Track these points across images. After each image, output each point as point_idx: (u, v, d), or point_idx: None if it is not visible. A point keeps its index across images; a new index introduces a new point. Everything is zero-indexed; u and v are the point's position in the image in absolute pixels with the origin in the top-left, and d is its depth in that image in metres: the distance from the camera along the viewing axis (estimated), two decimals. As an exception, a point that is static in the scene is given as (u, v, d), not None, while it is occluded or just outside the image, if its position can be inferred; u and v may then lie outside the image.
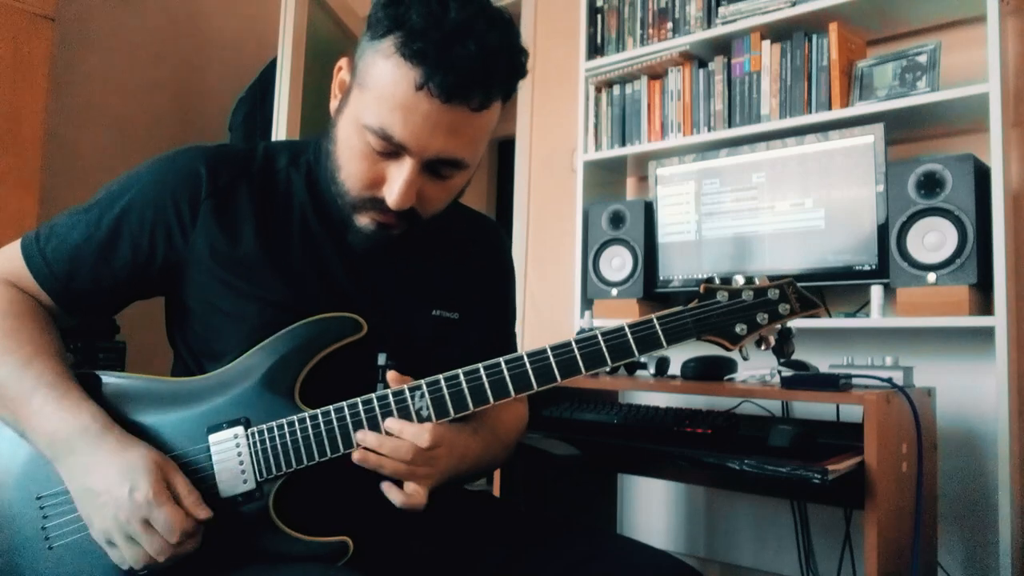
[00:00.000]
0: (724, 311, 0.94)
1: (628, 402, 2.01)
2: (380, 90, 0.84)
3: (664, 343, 0.91)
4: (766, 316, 0.94)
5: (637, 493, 2.38)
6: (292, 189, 0.98)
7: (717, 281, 0.97)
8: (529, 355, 0.89)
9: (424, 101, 0.82)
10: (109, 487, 0.81)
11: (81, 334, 2.58)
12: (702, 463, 1.31)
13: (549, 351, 0.89)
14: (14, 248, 0.95)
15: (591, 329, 0.93)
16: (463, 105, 0.83)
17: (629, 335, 0.90)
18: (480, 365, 0.89)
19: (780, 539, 2.12)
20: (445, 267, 1.04)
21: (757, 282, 0.96)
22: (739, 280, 0.96)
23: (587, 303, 2.30)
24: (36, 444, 0.87)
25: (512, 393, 0.88)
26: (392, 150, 0.86)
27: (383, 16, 0.83)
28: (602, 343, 0.90)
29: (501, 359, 0.89)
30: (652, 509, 2.37)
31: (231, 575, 0.84)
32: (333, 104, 0.94)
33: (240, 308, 0.93)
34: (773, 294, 0.95)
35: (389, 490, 0.87)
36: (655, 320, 0.92)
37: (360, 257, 0.97)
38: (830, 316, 1.96)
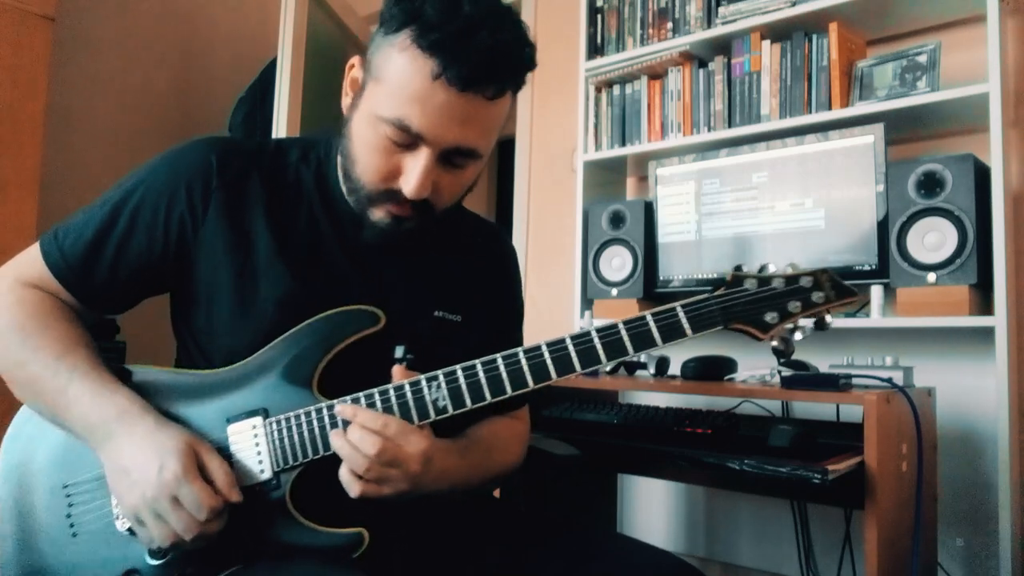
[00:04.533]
0: (752, 299, 0.90)
1: (628, 402, 2.01)
2: (396, 82, 0.85)
3: (688, 332, 0.88)
4: (799, 304, 0.90)
5: (637, 493, 2.38)
6: (301, 184, 0.99)
7: (746, 269, 0.92)
8: (548, 344, 0.88)
9: (440, 91, 0.83)
10: (140, 465, 0.83)
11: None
12: (702, 463, 1.31)
13: (568, 340, 0.88)
14: (34, 249, 0.97)
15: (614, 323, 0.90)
16: (478, 94, 0.85)
17: (652, 324, 0.88)
18: (498, 355, 0.88)
19: (780, 539, 2.12)
20: (450, 269, 1.04)
21: (790, 270, 0.91)
22: (770, 268, 0.92)
23: (587, 303, 2.30)
24: (76, 433, 0.89)
25: (531, 383, 0.87)
26: (409, 141, 0.87)
27: (397, 11, 0.85)
28: (623, 332, 0.88)
29: (519, 348, 0.88)
30: (652, 509, 2.37)
31: (249, 564, 0.85)
32: (345, 102, 0.95)
33: (245, 301, 0.93)
34: (806, 282, 0.90)
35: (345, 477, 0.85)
36: (679, 308, 0.88)
37: (365, 255, 0.98)
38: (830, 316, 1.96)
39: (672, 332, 0.88)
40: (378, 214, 0.93)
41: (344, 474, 0.85)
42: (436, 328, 1.00)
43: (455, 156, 0.89)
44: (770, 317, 0.89)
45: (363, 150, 0.90)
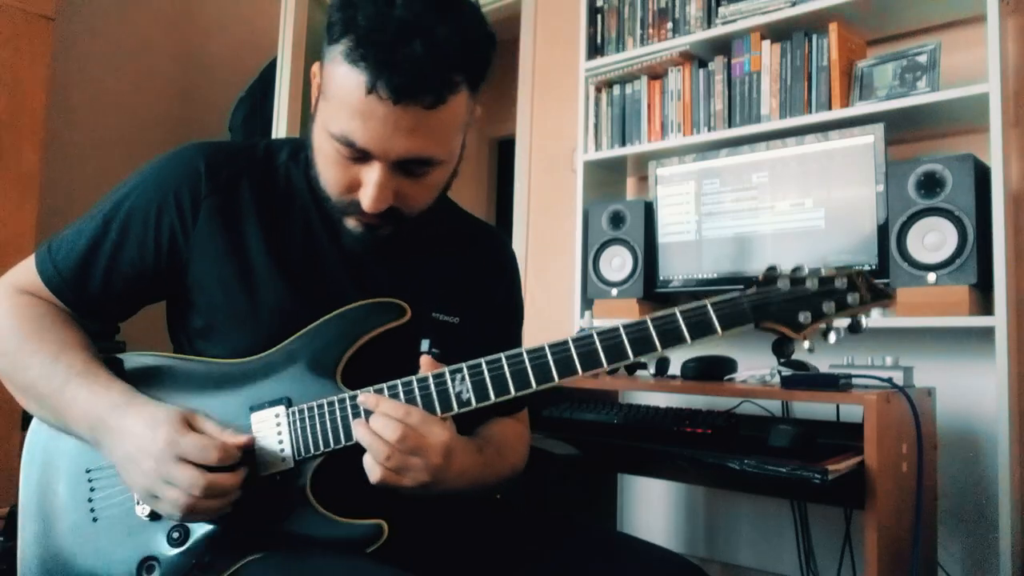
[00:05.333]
0: (785, 298, 0.88)
1: (628, 402, 2.01)
2: (338, 97, 0.83)
3: (718, 329, 0.86)
4: (832, 305, 0.88)
5: (637, 493, 2.38)
6: (293, 185, 0.99)
7: (779, 269, 0.90)
8: (574, 339, 0.87)
9: (376, 105, 0.80)
10: (137, 445, 0.83)
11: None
12: (702, 463, 1.31)
13: (595, 335, 0.87)
14: (29, 261, 0.97)
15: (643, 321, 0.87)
16: (415, 105, 0.81)
17: (680, 320, 0.86)
18: (523, 349, 0.87)
19: (780, 539, 2.12)
20: (448, 272, 1.04)
21: (823, 271, 0.90)
22: (804, 268, 0.90)
23: (587, 303, 2.30)
24: (79, 433, 0.89)
25: (556, 378, 0.86)
26: (358, 155, 0.85)
27: (336, 20, 0.82)
28: (651, 328, 0.86)
29: (545, 344, 0.87)
30: (652, 509, 2.37)
31: (268, 553, 0.85)
32: (313, 108, 0.94)
33: (241, 308, 0.93)
34: (840, 283, 0.89)
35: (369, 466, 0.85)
36: (708, 305, 0.87)
37: (360, 257, 0.97)
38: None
39: (701, 329, 0.86)
40: (351, 223, 0.92)
41: (366, 460, 0.85)
42: (432, 330, 1.00)
43: (411, 165, 0.87)
44: (803, 317, 0.88)
45: (322, 163, 0.90)
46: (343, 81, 0.82)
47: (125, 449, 0.84)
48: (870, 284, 0.91)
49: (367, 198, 0.87)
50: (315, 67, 0.92)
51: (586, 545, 0.97)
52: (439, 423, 0.86)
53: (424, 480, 0.85)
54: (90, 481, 0.90)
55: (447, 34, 0.80)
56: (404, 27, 0.79)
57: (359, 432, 0.85)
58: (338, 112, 0.83)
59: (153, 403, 0.86)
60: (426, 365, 0.89)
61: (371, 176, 0.86)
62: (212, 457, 0.81)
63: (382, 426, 0.84)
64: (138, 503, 0.89)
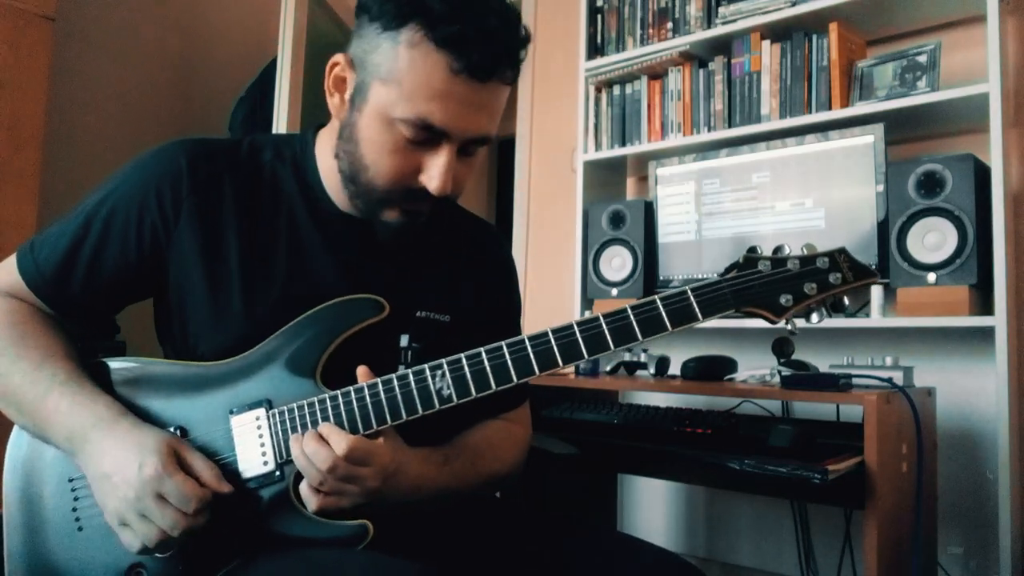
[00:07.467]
0: (766, 281, 0.87)
1: (628, 402, 2.01)
2: (411, 80, 0.83)
3: (699, 316, 0.85)
4: (814, 286, 0.87)
5: (637, 493, 2.38)
6: (279, 183, 0.97)
7: (760, 251, 0.89)
8: (554, 331, 0.87)
9: (461, 84, 0.83)
10: (120, 468, 0.82)
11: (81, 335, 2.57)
12: (702, 463, 1.31)
13: (575, 326, 0.86)
14: (11, 261, 0.96)
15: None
16: (500, 82, 0.86)
17: (661, 308, 0.85)
18: (503, 343, 0.87)
19: (780, 539, 2.12)
20: (439, 269, 1.03)
21: (805, 251, 0.89)
22: (785, 249, 0.89)
23: (587, 303, 2.30)
24: (57, 442, 0.88)
25: (536, 371, 0.86)
26: (429, 138, 0.86)
27: (393, 6, 0.83)
28: (632, 317, 0.86)
29: (525, 336, 0.87)
30: (652, 509, 2.37)
31: (252, 557, 0.85)
32: (334, 103, 0.92)
33: (217, 308, 0.93)
34: (822, 263, 0.88)
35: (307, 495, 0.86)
36: (689, 292, 0.86)
37: (347, 255, 0.96)
38: (831, 316, 1.96)
39: (682, 316, 0.85)
40: (391, 215, 0.91)
41: (303, 488, 0.85)
42: (417, 328, 0.99)
43: (471, 145, 0.89)
44: (784, 300, 0.87)
45: (376, 153, 0.88)
46: (419, 63, 0.82)
47: (103, 468, 0.83)
48: (853, 262, 0.90)
49: (437, 182, 0.87)
50: (339, 58, 0.91)
51: (585, 545, 0.97)
52: (378, 447, 0.85)
53: (361, 502, 0.86)
54: (73, 490, 0.90)
55: (510, 10, 0.86)
56: (479, 7, 0.83)
57: (295, 451, 0.85)
58: (412, 95, 0.83)
59: (141, 427, 0.86)
60: (362, 375, 0.89)
61: (439, 159, 0.87)
62: (190, 508, 0.81)
63: (313, 451, 0.84)
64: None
